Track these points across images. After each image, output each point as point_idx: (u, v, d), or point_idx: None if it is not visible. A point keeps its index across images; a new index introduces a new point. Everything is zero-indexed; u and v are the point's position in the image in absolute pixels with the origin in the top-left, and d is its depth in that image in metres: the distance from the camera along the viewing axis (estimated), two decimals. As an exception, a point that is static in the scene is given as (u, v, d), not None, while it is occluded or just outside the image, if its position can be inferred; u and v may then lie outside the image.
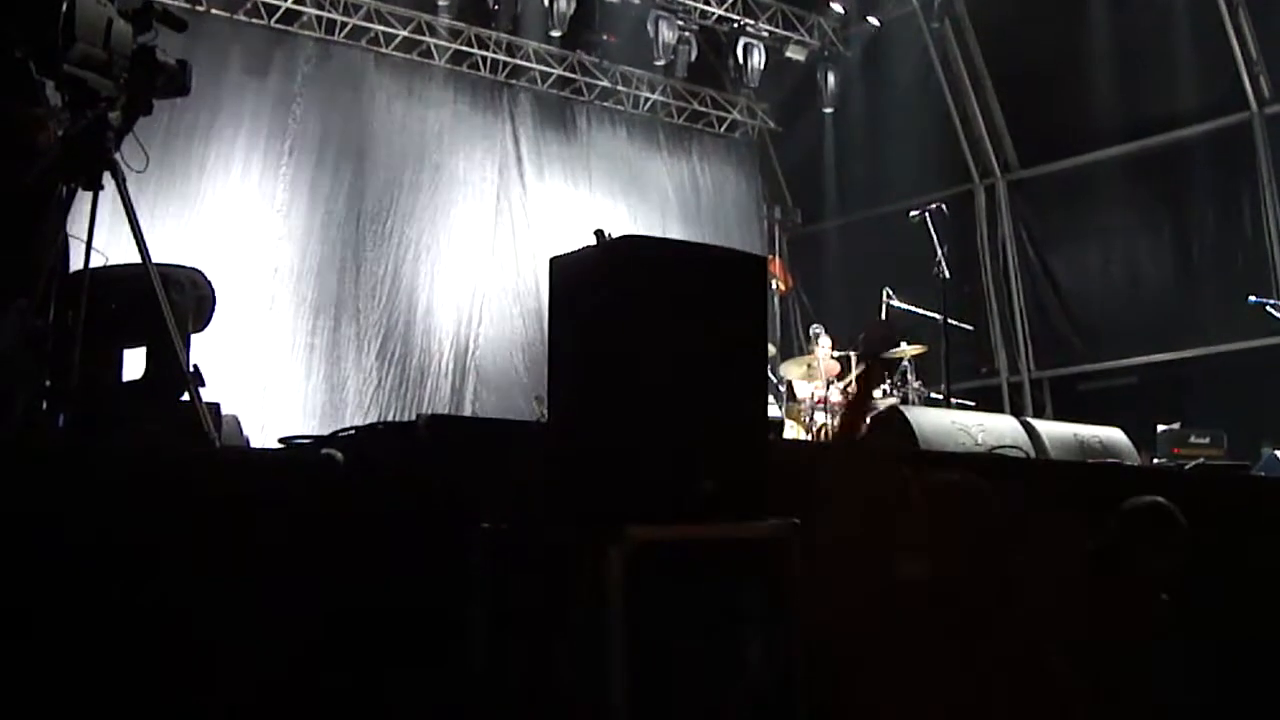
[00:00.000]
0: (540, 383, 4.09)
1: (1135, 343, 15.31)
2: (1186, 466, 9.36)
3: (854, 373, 13.19)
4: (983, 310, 16.52)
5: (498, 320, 15.16)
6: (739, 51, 17.54)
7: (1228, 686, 5.26)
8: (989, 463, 6.83)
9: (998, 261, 16.82)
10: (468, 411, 14.23)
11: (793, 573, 3.81)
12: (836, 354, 13.58)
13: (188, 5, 12.93)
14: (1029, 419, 9.05)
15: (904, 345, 13.04)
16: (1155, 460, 11.16)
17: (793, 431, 12.76)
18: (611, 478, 3.65)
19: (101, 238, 4.89)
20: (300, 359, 13.81)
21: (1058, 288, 16.30)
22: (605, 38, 16.86)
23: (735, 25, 17.39)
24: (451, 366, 14.98)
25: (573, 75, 17.14)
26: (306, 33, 14.69)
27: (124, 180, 4.97)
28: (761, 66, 17.67)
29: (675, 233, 16.63)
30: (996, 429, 7.88)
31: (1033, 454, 7.64)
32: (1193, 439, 12.06)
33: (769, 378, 12.66)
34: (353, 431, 4.54)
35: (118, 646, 3.52)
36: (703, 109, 18.59)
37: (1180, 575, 4.79)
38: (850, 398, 12.79)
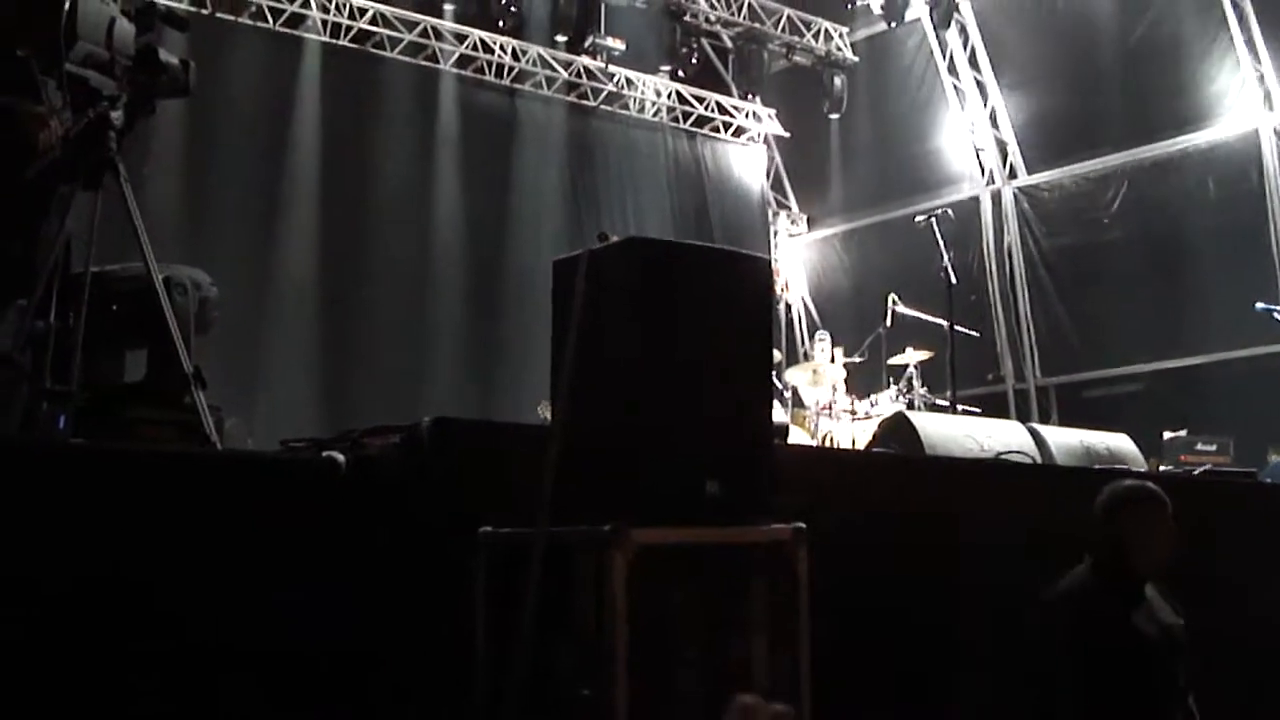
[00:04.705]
0: (545, 387, 4.06)
1: (1142, 349, 15.28)
2: (1194, 473, 9.34)
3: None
4: (989, 316, 16.46)
5: (507, 323, 15.10)
6: (746, 56, 17.55)
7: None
8: (995, 469, 6.80)
9: (1004, 268, 16.78)
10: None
11: (798, 576, 3.79)
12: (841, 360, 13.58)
13: (193, 8, 12.92)
14: (1035, 425, 9.02)
15: (909, 351, 13.04)
16: (1162, 467, 11.13)
17: (798, 437, 12.72)
18: (615, 481, 3.62)
19: (104, 238, 4.86)
20: (305, 362, 13.77)
21: (1064, 294, 16.26)
22: (611, 42, 16.82)
23: (742, 30, 17.39)
24: (460, 370, 14.97)
25: (579, 80, 17.12)
26: (312, 36, 14.66)
27: (126, 180, 4.94)
28: (768, 71, 17.67)
29: (680, 238, 16.58)
30: (1003, 435, 7.85)
31: (1039, 460, 7.61)
32: (1200, 445, 12.06)
33: (774, 382, 12.62)
34: (355, 433, 4.52)
35: (117, 648, 3.50)
36: (709, 114, 18.56)
37: (1172, 551, 4.82)
38: None
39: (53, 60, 4.75)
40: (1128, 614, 4.76)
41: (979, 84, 17.17)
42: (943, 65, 17.36)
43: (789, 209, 19.77)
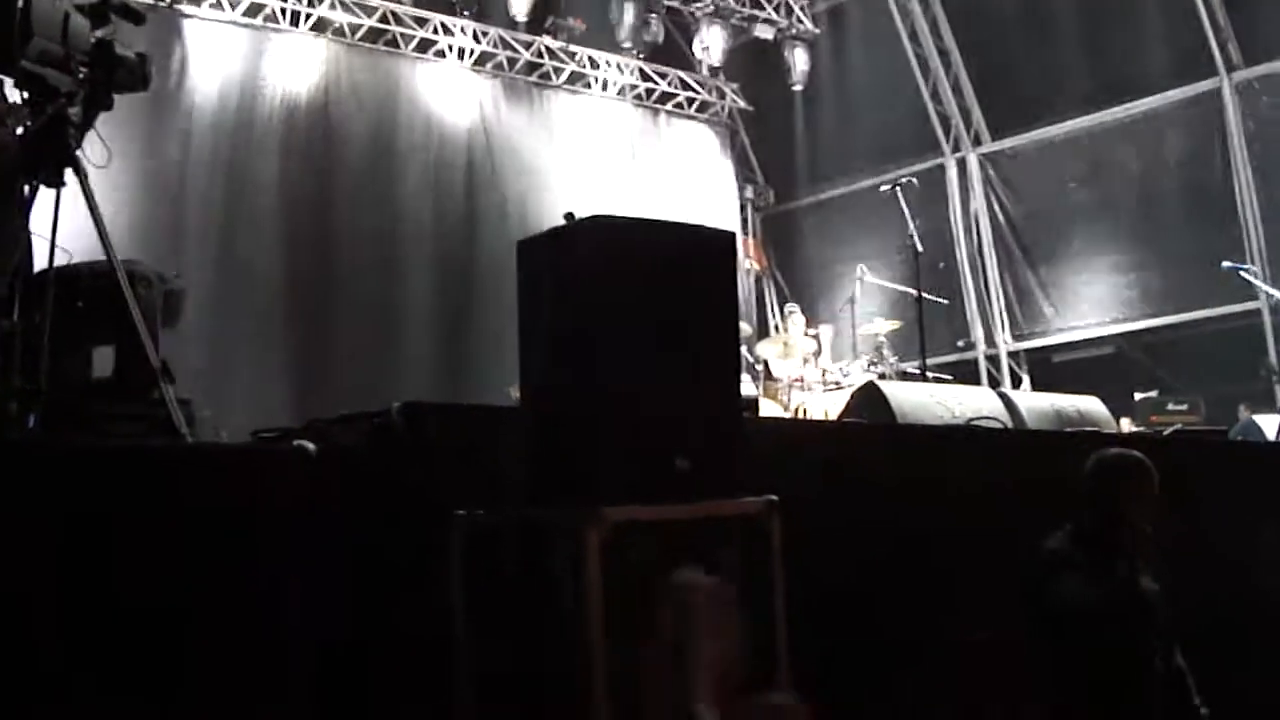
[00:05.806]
0: (514, 369, 4.05)
1: (1110, 312, 15.36)
2: (1165, 432, 9.40)
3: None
4: (958, 284, 16.52)
5: (475, 305, 15.08)
6: (706, 32, 17.54)
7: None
8: (967, 434, 6.83)
9: (971, 234, 16.83)
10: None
11: (771, 548, 3.80)
12: (810, 332, 13.63)
13: (150, 0, 12.84)
14: (1006, 390, 9.07)
15: (879, 320, 13.09)
16: (1133, 427, 11.20)
17: (770, 409, 12.75)
18: (586, 460, 3.63)
19: (66, 234, 4.84)
20: (275, 351, 13.74)
21: (1031, 259, 16.33)
22: (572, 22, 16.80)
23: (703, 5, 17.37)
24: (429, 355, 14.96)
25: (540, 60, 17.08)
26: (270, 25, 14.60)
27: (86, 176, 4.92)
28: (729, 46, 17.66)
29: (646, 215, 16.51)
30: (974, 402, 7.88)
31: (1010, 425, 7.64)
32: (1170, 406, 12.15)
33: (744, 356, 12.64)
34: (325, 421, 4.51)
35: (89, 645, 3.49)
36: (672, 90, 18.55)
37: (1156, 511, 4.89)
38: None
39: (8, 58, 4.72)
40: (1106, 579, 4.78)
41: (941, 51, 17.19)
42: (904, 34, 17.36)
43: (755, 183, 19.76)
